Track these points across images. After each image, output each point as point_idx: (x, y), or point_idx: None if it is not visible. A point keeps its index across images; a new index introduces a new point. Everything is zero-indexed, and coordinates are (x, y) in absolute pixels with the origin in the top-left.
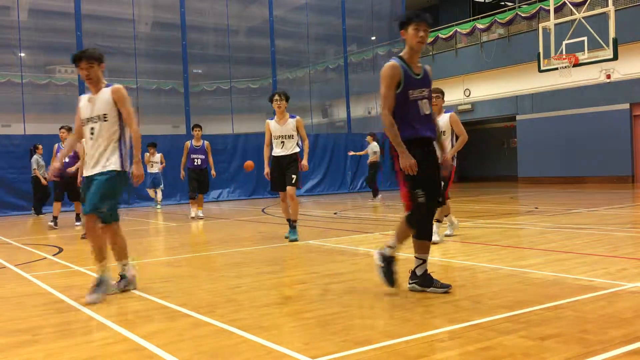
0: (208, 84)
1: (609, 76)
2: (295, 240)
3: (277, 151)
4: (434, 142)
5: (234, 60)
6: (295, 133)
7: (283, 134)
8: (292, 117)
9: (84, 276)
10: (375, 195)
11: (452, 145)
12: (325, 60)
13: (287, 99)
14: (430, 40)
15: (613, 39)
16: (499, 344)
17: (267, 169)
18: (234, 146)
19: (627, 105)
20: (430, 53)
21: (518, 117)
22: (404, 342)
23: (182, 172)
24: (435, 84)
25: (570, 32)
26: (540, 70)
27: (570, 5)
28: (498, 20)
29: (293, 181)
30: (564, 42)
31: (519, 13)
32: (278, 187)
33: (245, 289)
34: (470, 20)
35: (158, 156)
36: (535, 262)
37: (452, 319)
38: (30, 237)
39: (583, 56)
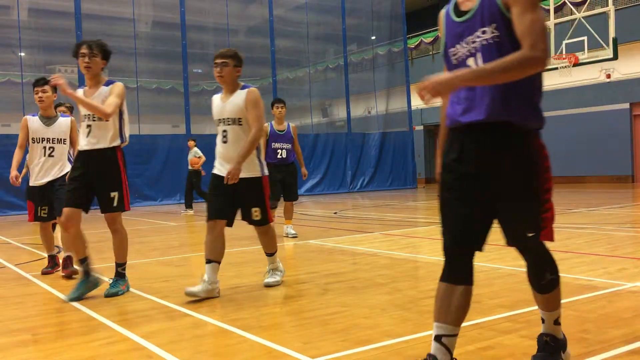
0: (208, 84)
1: (608, 76)
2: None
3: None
4: None
5: None
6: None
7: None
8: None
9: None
10: (188, 206)
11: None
12: (325, 60)
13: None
14: (430, 39)
15: (613, 38)
16: (499, 344)
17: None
18: None
19: (627, 105)
20: (431, 52)
21: None
22: (404, 342)
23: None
24: None
25: (570, 32)
26: None
27: (570, 5)
28: None
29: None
30: (564, 42)
31: None
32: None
33: (245, 288)
34: None
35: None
36: None
37: None
38: (30, 237)
39: (583, 56)
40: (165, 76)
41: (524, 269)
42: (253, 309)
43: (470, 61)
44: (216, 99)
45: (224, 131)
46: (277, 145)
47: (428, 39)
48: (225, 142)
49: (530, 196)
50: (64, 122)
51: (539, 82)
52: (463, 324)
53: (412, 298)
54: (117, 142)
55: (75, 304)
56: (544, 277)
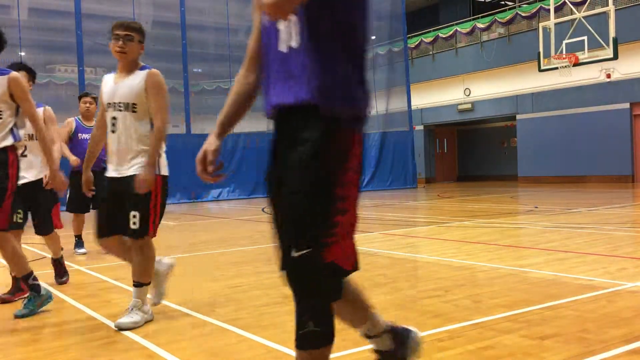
0: (208, 83)
1: (609, 75)
2: None
3: None
4: None
5: (234, 60)
6: None
7: None
8: None
9: (84, 275)
10: None
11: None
12: None
13: None
14: (430, 39)
15: (613, 38)
16: (499, 343)
17: None
18: (234, 145)
19: (627, 105)
20: (431, 52)
21: (518, 117)
22: None
23: None
24: (435, 84)
25: (570, 32)
26: (540, 70)
27: (570, 5)
28: (498, 19)
29: None
30: (564, 42)
31: (519, 12)
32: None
33: (245, 288)
34: (470, 20)
35: None
36: (535, 261)
37: (452, 318)
38: (30, 236)
39: (583, 55)
40: (165, 76)
41: (524, 269)
42: (253, 309)
43: None
44: (108, 79)
45: (114, 118)
46: None
47: (428, 39)
48: (114, 131)
49: (311, 198)
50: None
51: (360, 60)
52: (463, 324)
53: (412, 298)
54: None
55: (76, 304)
56: (303, 325)
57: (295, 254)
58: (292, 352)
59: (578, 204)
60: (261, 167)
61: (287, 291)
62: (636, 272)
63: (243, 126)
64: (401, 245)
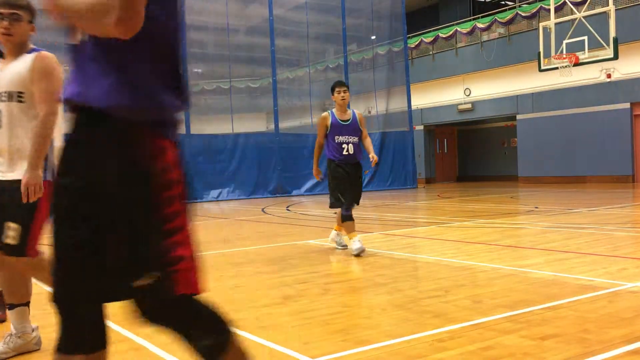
0: (208, 83)
1: (609, 75)
2: None
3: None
4: None
5: (233, 60)
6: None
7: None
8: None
9: None
10: None
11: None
12: (325, 60)
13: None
14: (430, 39)
15: (613, 38)
16: (499, 344)
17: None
18: (234, 146)
19: (627, 105)
20: (431, 52)
21: (518, 117)
22: (404, 342)
23: (318, 169)
24: (435, 83)
25: (570, 32)
26: (540, 70)
27: (570, 5)
28: (498, 19)
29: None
30: (564, 42)
31: (519, 12)
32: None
33: (245, 288)
34: (470, 20)
35: None
36: (536, 261)
37: (452, 318)
38: None
39: (583, 55)
40: None
41: (524, 269)
42: (253, 309)
43: None
44: None
45: None
46: (341, 138)
47: (428, 39)
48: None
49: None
50: None
51: (163, 58)
52: (463, 324)
53: (412, 298)
54: None
55: None
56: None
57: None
58: (293, 353)
59: (578, 204)
60: (261, 167)
61: (288, 292)
62: (636, 272)
63: (243, 126)
64: (401, 245)
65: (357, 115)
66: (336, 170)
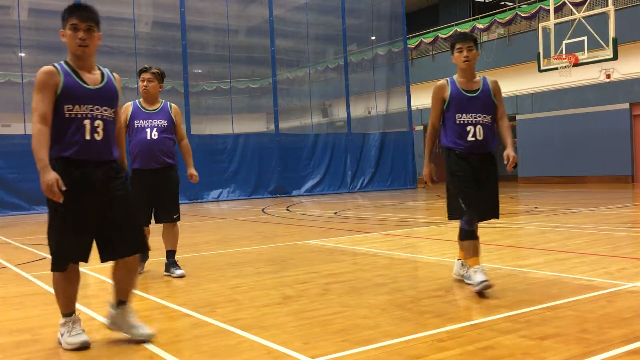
0: (208, 84)
1: (608, 76)
2: None
3: None
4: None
5: (233, 60)
6: None
7: None
8: None
9: (84, 276)
10: None
11: None
12: (325, 60)
13: None
14: (430, 40)
15: (613, 38)
16: (499, 344)
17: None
18: (234, 146)
19: (627, 105)
20: (430, 53)
21: (518, 117)
22: (404, 342)
23: (430, 166)
24: (435, 84)
25: (570, 32)
26: (540, 70)
27: (570, 5)
28: (498, 20)
29: None
30: (564, 42)
31: (519, 13)
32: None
33: (245, 288)
34: (470, 20)
35: None
36: (535, 261)
37: (452, 318)
38: (30, 237)
39: (583, 56)
40: (165, 76)
41: (524, 269)
42: (253, 309)
43: None
44: None
45: None
46: (466, 117)
47: (428, 39)
48: None
49: None
50: None
51: None
52: (463, 324)
53: (412, 298)
54: None
55: (76, 305)
56: None
57: None
58: (293, 353)
59: (578, 204)
60: (261, 167)
61: (288, 292)
62: (636, 272)
63: (243, 127)
64: (401, 245)
65: (489, 84)
66: (457, 164)
